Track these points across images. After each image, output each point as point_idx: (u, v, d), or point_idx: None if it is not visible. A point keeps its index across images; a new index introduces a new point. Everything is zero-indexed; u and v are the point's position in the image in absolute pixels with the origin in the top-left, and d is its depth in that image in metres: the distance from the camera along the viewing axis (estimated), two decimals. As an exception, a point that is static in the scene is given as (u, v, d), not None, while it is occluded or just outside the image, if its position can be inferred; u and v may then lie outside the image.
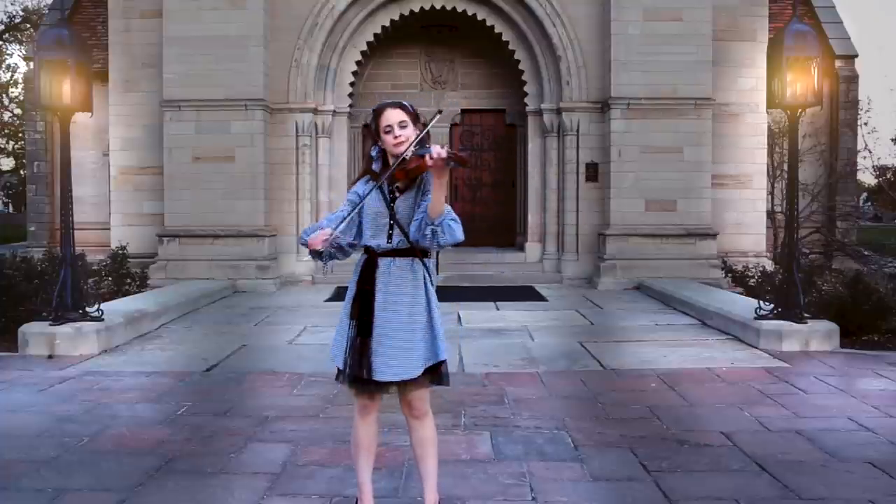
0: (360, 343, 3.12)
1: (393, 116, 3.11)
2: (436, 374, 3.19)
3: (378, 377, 3.09)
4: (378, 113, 3.14)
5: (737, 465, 4.08)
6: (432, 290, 3.19)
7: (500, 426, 4.77)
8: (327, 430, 4.67)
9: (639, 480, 3.88)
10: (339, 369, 3.21)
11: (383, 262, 3.14)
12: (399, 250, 3.13)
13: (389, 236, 3.13)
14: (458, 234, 3.02)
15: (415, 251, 3.14)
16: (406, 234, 3.11)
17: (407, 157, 3.02)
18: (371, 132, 3.20)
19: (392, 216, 3.12)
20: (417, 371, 3.11)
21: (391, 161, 3.13)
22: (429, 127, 3.12)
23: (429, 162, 2.88)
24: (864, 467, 4.03)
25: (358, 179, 3.26)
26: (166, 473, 3.98)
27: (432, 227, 2.99)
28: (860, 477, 3.91)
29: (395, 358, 3.08)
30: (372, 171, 3.19)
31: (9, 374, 6.18)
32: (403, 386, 3.15)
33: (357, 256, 3.28)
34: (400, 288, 3.12)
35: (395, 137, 3.09)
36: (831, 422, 4.85)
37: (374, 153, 3.21)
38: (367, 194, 3.09)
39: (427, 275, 3.19)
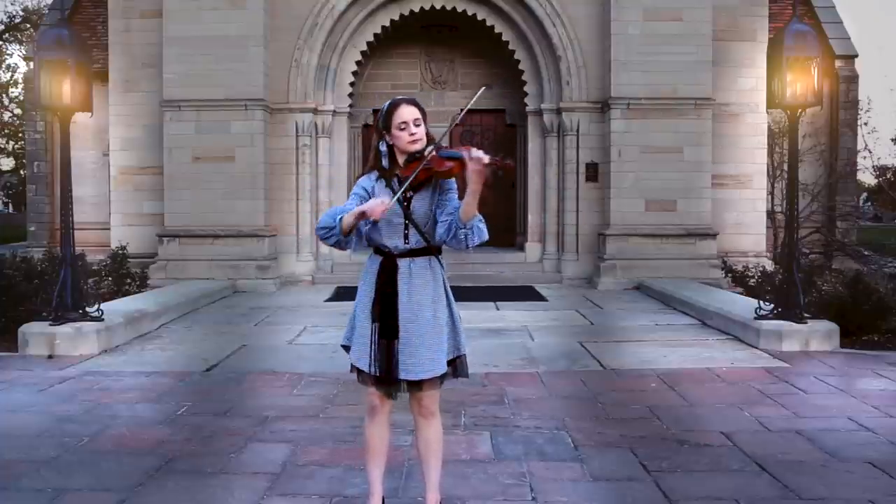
0: (385, 345, 3.11)
1: (408, 113, 3.09)
2: (455, 366, 3.21)
3: (408, 376, 3.09)
4: (392, 109, 3.12)
5: (737, 465, 4.08)
6: (449, 286, 3.22)
7: (500, 426, 4.77)
8: (327, 430, 4.67)
9: (639, 480, 3.88)
10: (358, 371, 3.19)
11: (403, 264, 3.13)
12: (416, 250, 3.13)
13: (406, 237, 3.12)
14: (485, 234, 3.08)
15: (430, 250, 3.14)
16: (422, 234, 3.11)
17: (428, 158, 3.00)
18: (378, 127, 3.16)
19: (407, 216, 3.11)
20: (444, 367, 3.14)
21: (399, 158, 3.12)
22: (451, 126, 3.11)
23: (475, 167, 2.84)
24: (864, 467, 4.03)
25: (363, 174, 3.22)
26: (166, 473, 3.97)
27: (464, 230, 3.01)
28: (860, 477, 3.91)
29: (425, 356, 3.09)
30: (381, 168, 3.16)
31: (9, 374, 6.18)
32: (418, 385, 3.14)
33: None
34: (422, 286, 3.12)
35: (412, 135, 3.08)
36: (831, 422, 4.85)
37: (382, 148, 3.16)
38: (394, 198, 3.04)
39: (443, 270, 3.20)
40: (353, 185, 3.24)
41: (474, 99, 3.33)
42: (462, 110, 3.24)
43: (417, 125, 3.09)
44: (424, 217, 3.12)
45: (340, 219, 3.04)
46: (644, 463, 4.11)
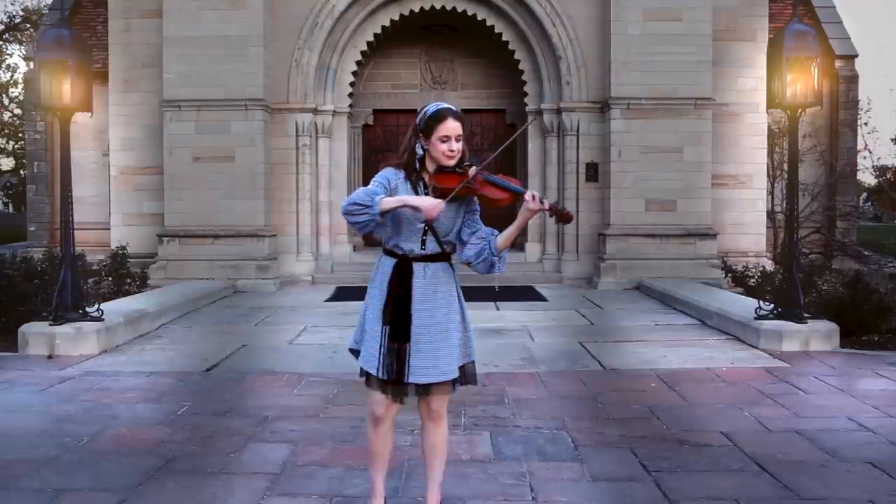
0: (397, 347, 3.09)
1: (454, 128, 3.07)
2: (464, 373, 3.21)
3: (420, 380, 3.07)
4: (438, 119, 3.06)
5: (737, 465, 4.08)
6: (461, 292, 3.23)
7: (500, 426, 4.77)
8: (327, 430, 4.67)
9: (639, 480, 3.88)
10: (368, 375, 3.16)
11: (418, 268, 3.12)
12: (431, 256, 3.14)
13: (423, 242, 3.12)
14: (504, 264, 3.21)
15: (445, 256, 3.16)
16: (439, 242, 3.12)
17: (473, 178, 3.06)
18: (416, 128, 3.12)
19: (427, 223, 3.09)
20: (455, 372, 3.14)
21: (430, 165, 3.12)
22: (499, 151, 3.26)
23: (533, 206, 2.99)
24: (864, 467, 4.03)
25: (389, 167, 3.17)
26: (166, 473, 3.98)
27: (496, 258, 3.13)
28: (860, 477, 3.91)
29: (437, 359, 3.08)
30: (412, 169, 3.12)
31: (9, 374, 6.18)
32: (428, 389, 3.13)
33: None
34: (436, 291, 3.13)
35: (451, 150, 3.07)
36: (831, 422, 4.85)
37: (419, 151, 3.12)
38: (447, 200, 3.04)
39: (456, 277, 3.23)
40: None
41: (518, 132, 3.43)
42: (506, 143, 3.40)
43: (458, 141, 3.09)
44: (447, 229, 3.14)
45: (380, 199, 2.97)
46: (644, 463, 4.11)
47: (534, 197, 3.00)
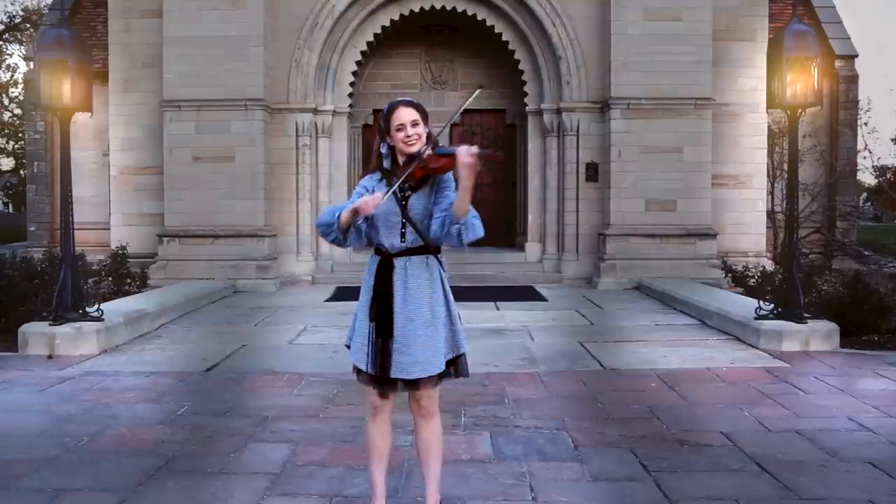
0: (381, 344, 3.12)
1: (406, 115, 3.11)
2: (456, 366, 3.22)
3: (404, 375, 3.09)
4: (391, 110, 3.14)
5: (737, 465, 4.08)
6: (448, 285, 3.22)
7: (500, 426, 4.77)
8: (327, 430, 4.67)
9: (639, 480, 3.88)
10: (358, 370, 3.20)
11: (399, 263, 3.14)
12: (413, 249, 3.14)
13: (402, 235, 3.13)
14: (480, 230, 3.07)
15: (428, 248, 3.16)
16: (419, 232, 3.13)
17: (424, 156, 3.04)
18: (380, 129, 3.19)
19: (404, 215, 3.12)
20: (441, 366, 3.14)
21: (400, 159, 3.14)
22: (447, 124, 3.16)
23: (465, 159, 2.88)
24: (864, 467, 4.03)
25: (366, 174, 3.25)
26: (166, 473, 3.98)
27: (458, 225, 3.02)
28: (860, 477, 3.91)
29: (420, 355, 3.09)
30: (383, 169, 3.18)
31: (9, 374, 6.18)
32: (415, 385, 3.14)
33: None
34: (418, 285, 3.13)
35: (407, 136, 3.10)
36: (831, 422, 4.85)
37: (383, 150, 3.19)
38: (386, 193, 3.05)
39: (441, 270, 3.21)
40: (352, 185, 3.24)
41: (470, 99, 3.40)
42: (459, 109, 3.31)
43: (415, 126, 3.11)
44: (422, 215, 3.13)
45: (339, 216, 3.07)
46: (644, 463, 4.11)
47: (465, 155, 2.90)
